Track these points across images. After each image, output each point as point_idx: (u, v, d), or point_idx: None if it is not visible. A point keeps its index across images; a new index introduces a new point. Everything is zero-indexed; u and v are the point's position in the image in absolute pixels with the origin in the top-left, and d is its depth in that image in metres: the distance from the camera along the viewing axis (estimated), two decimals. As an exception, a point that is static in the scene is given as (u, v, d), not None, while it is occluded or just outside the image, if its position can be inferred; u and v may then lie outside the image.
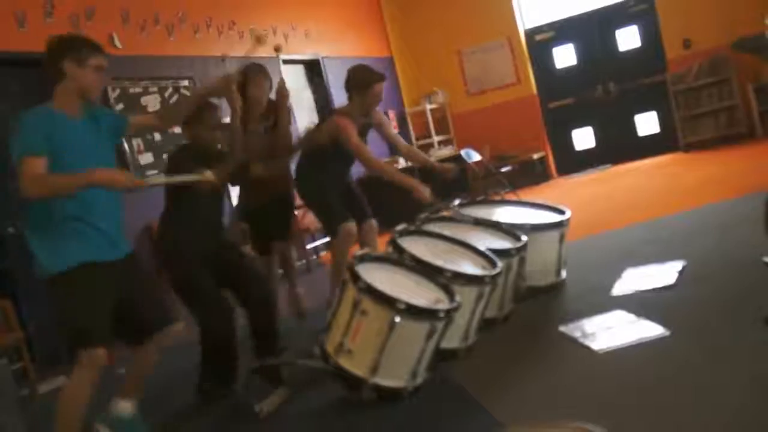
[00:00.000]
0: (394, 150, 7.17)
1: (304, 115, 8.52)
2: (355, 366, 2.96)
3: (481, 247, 3.61)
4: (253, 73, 4.39)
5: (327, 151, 4.33)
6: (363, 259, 3.27)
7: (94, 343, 2.72)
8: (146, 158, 6.27)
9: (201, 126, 3.59)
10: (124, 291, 2.88)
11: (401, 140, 4.88)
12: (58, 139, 2.72)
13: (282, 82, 4.50)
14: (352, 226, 4.30)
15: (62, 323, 2.76)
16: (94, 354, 2.71)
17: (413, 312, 2.90)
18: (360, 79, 4.32)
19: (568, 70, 10.27)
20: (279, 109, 4.43)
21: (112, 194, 2.85)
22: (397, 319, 2.87)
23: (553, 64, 10.35)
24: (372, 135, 4.65)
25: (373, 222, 4.54)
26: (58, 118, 2.76)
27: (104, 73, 2.94)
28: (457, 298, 3.11)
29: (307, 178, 4.50)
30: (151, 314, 3.01)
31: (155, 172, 6.32)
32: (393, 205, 4.95)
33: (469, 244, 3.65)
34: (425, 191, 4.16)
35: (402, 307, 2.87)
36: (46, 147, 2.68)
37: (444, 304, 3.05)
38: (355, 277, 2.99)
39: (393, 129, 4.93)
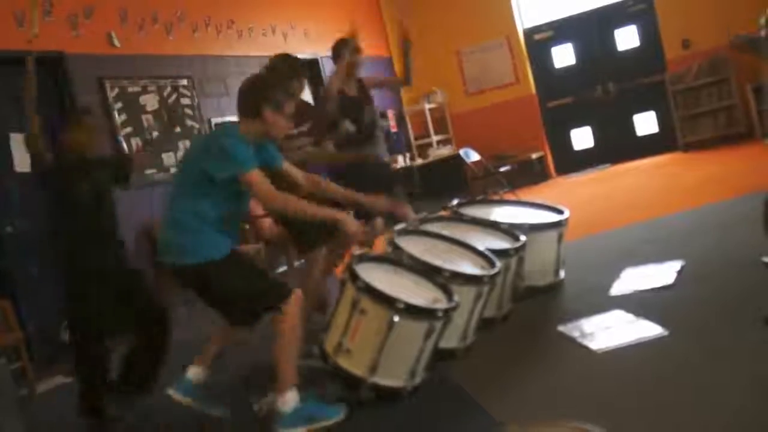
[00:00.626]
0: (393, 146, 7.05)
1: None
2: (354, 365, 2.96)
3: (480, 247, 3.61)
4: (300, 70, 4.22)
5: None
6: (362, 258, 3.26)
7: (288, 288, 3.01)
8: (145, 157, 6.27)
9: (80, 131, 3.65)
10: None
11: None
12: None
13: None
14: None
15: (250, 292, 3.01)
16: (296, 294, 2.99)
17: (412, 311, 2.90)
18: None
19: (567, 70, 10.27)
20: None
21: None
22: (396, 319, 2.87)
23: (551, 64, 10.35)
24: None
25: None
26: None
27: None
28: (456, 297, 3.10)
29: None
30: None
31: (153, 171, 6.32)
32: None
33: (467, 243, 3.65)
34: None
35: (401, 306, 2.87)
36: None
37: (442, 304, 3.05)
38: (354, 277, 2.99)
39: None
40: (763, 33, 3.60)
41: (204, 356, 3.24)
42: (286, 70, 3.92)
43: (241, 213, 3.26)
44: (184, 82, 6.82)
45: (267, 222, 6.43)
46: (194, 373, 3.19)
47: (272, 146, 3.26)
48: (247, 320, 3.21)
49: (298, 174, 3.35)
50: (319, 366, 3.22)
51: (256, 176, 2.95)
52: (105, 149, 5.94)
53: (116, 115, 6.09)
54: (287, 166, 3.34)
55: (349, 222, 3.04)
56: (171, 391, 3.18)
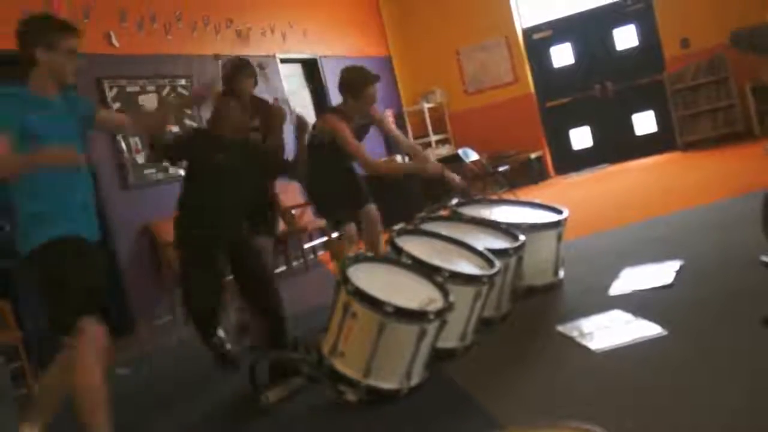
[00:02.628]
0: (393, 147, 7.06)
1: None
2: (348, 368, 2.96)
3: (479, 247, 3.61)
4: (243, 69, 4.28)
5: (325, 148, 4.28)
6: (358, 259, 3.26)
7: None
8: (143, 157, 6.26)
9: None
10: None
11: (402, 136, 4.75)
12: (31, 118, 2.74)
13: (277, 102, 4.37)
14: (351, 227, 4.35)
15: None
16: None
17: (402, 315, 2.88)
18: (353, 82, 4.24)
19: (566, 69, 10.28)
20: (271, 130, 4.32)
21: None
22: (386, 323, 2.86)
23: (550, 63, 10.36)
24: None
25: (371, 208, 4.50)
26: (31, 98, 2.78)
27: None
28: (450, 298, 3.09)
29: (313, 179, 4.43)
30: None
31: (153, 171, 6.31)
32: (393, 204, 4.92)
33: (467, 243, 3.65)
34: (434, 166, 4.29)
35: (390, 310, 2.85)
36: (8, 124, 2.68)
37: (437, 305, 3.04)
38: (346, 280, 2.99)
39: (392, 125, 4.85)
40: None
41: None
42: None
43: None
44: (183, 81, 6.81)
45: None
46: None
47: (82, 98, 3.08)
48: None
49: (119, 117, 3.35)
50: (302, 357, 3.33)
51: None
52: (103, 149, 5.94)
53: (115, 115, 6.09)
54: (105, 114, 3.25)
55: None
56: None
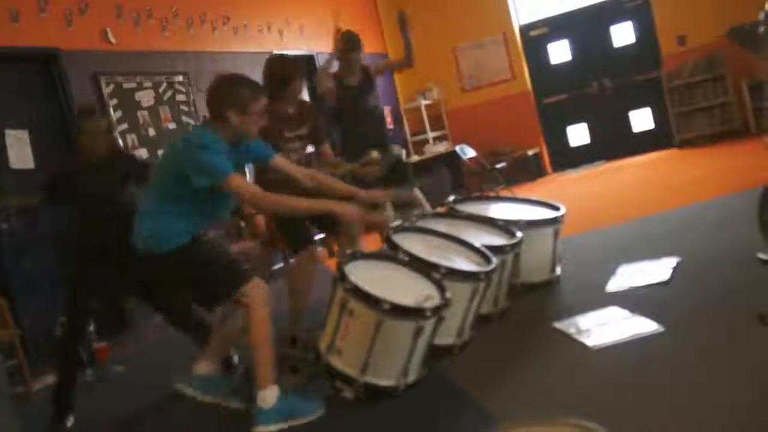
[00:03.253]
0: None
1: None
2: (346, 365, 2.96)
3: (476, 244, 3.61)
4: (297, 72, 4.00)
5: None
6: (355, 256, 3.26)
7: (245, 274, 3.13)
8: (141, 154, 6.25)
9: (82, 136, 3.76)
10: None
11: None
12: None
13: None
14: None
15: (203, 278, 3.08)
16: (255, 282, 3.06)
17: (399, 312, 2.88)
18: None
19: (563, 66, 10.28)
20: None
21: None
22: (383, 320, 2.86)
23: (547, 60, 10.36)
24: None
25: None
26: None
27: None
28: (447, 294, 3.09)
29: None
30: None
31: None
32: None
33: (464, 240, 3.65)
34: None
35: (386, 307, 2.86)
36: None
37: (433, 302, 3.03)
38: (343, 277, 2.99)
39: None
40: (762, 29, 3.56)
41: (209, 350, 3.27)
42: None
43: (219, 213, 3.20)
44: (180, 78, 6.80)
45: (260, 219, 6.45)
46: (203, 367, 3.19)
47: (259, 141, 3.21)
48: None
49: (293, 169, 3.31)
50: (300, 355, 3.33)
51: (237, 181, 2.90)
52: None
53: (112, 112, 6.07)
54: (281, 161, 3.29)
55: (348, 210, 3.00)
56: (182, 387, 3.18)
